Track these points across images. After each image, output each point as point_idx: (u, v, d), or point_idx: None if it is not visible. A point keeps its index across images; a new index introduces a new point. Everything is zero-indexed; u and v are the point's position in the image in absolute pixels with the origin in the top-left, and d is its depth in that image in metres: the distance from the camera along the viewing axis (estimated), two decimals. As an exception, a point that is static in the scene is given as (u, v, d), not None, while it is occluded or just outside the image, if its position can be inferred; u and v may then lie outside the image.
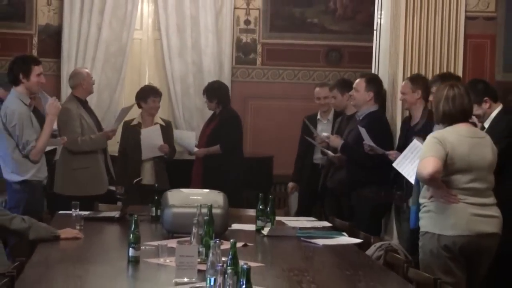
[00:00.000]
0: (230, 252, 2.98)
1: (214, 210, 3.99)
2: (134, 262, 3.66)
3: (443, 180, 4.09)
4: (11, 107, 5.39)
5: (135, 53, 8.51)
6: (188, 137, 7.16)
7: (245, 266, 2.73)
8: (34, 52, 8.09)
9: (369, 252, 4.32)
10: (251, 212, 5.14)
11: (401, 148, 5.21)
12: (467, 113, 4.22)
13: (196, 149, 6.94)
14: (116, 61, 8.26)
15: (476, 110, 4.62)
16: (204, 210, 3.93)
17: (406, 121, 5.57)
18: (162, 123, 6.92)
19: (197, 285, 3.21)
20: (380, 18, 6.39)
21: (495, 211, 4.19)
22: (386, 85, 6.05)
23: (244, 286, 2.70)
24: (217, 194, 4.59)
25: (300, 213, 6.42)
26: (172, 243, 3.85)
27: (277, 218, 4.93)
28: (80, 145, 6.15)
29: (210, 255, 3.09)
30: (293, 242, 4.46)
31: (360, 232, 4.68)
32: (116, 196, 6.82)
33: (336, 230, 4.89)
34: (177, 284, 3.30)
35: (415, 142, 4.86)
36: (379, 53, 6.39)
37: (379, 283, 3.51)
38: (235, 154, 6.88)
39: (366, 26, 7.62)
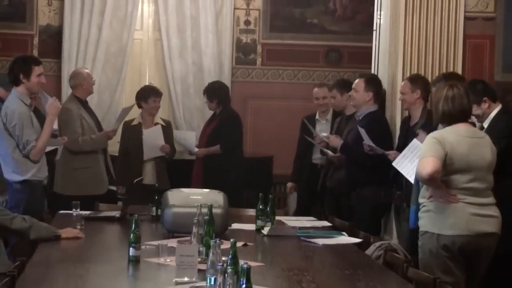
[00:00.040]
0: (230, 252, 2.98)
1: (214, 210, 3.99)
2: (135, 261, 3.67)
3: (442, 180, 4.10)
4: (11, 107, 5.40)
5: (135, 53, 8.52)
6: (188, 137, 7.17)
7: (245, 266, 2.73)
8: (35, 53, 8.10)
9: (368, 251, 4.32)
10: (251, 211, 5.15)
11: (401, 148, 5.21)
12: (466, 113, 4.22)
13: (196, 149, 6.96)
14: (117, 62, 8.27)
15: (475, 110, 4.62)
16: (204, 210, 3.94)
17: (406, 121, 5.57)
18: (163, 123, 6.93)
19: (197, 285, 3.22)
20: (380, 19, 6.40)
21: (494, 211, 4.19)
22: (385, 85, 6.05)
23: (244, 285, 2.70)
24: (217, 194, 4.60)
25: (299, 213, 6.43)
26: (172, 242, 3.87)
27: (277, 217, 4.94)
28: (81, 145, 6.17)
29: (210, 254, 3.09)
30: (293, 242, 4.46)
31: (359, 232, 4.68)
32: (117, 196, 6.84)
33: (336, 229, 4.90)
34: (177, 283, 3.30)
35: (415, 141, 4.87)
36: (378, 53, 6.39)
37: (378, 283, 3.52)
38: (235, 154, 6.89)
39: (366, 27, 7.62)
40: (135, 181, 6.66)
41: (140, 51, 8.58)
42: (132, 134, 6.80)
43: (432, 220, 4.15)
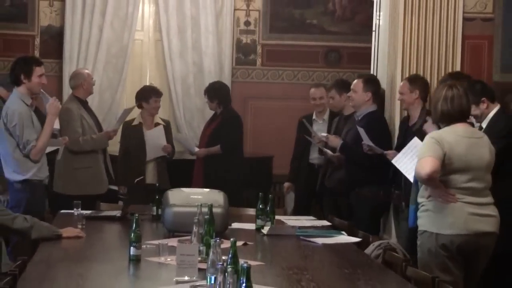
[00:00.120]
0: (230, 251, 2.99)
1: (214, 209, 4.01)
2: (135, 260, 3.68)
3: (441, 179, 4.11)
4: (12, 107, 5.41)
5: (136, 54, 8.54)
6: (188, 138, 7.21)
7: (245, 265, 2.73)
8: (36, 53, 8.12)
9: (368, 251, 4.34)
10: (251, 211, 5.15)
11: (399, 148, 5.21)
12: (465, 113, 4.24)
13: (197, 149, 6.97)
14: (118, 62, 8.28)
15: (474, 110, 4.63)
16: (205, 209, 3.95)
17: (405, 121, 5.58)
18: (163, 123, 6.96)
19: (198, 284, 3.22)
20: (379, 19, 6.40)
21: (493, 210, 4.21)
22: (384, 85, 6.06)
23: (244, 284, 2.70)
24: (217, 193, 4.61)
25: (297, 212, 6.43)
26: (173, 242, 3.88)
27: (277, 217, 4.95)
28: (82, 145, 6.19)
29: (211, 253, 3.10)
30: (292, 241, 4.47)
31: (359, 231, 4.69)
32: (118, 196, 6.85)
33: (335, 229, 4.91)
34: (178, 282, 3.31)
35: (415, 140, 4.87)
36: (377, 54, 6.40)
37: (378, 282, 3.52)
38: (235, 154, 6.90)
39: (365, 27, 7.63)
40: (135, 180, 6.68)
41: (140, 51, 8.60)
42: (133, 134, 6.82)
43: (431, 219, 4.17)
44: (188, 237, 3.86)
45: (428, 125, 4.74)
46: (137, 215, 3.83)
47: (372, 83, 5.91)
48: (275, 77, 8.66)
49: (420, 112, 5.39)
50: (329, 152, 6.09)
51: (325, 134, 6.18)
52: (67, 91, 7.70)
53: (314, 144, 6.55)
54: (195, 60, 8.38)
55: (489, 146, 4.25)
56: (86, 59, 8.19)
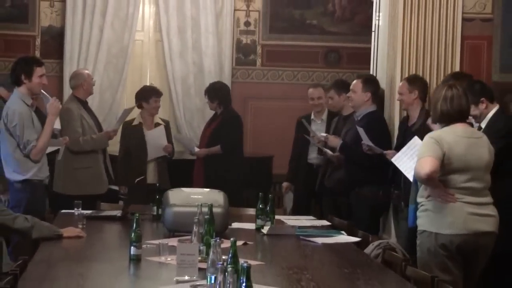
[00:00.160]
0: (230, 251, 2.99)
1: (214, 209, 4.02)
2: (136, 260, 3.69)
3: (440, 179, 4.12)
4: (12, 107, 5.42)
5: (136, 54, 8.54)
6: (189, 138, 7.23)
7: (245, 265, 2.74)
8: (37, 53, 8.12)
9: (367, 250, 4.35)
10: (251, 211, 5.16)
11: (399, 148, 5.22)
12: (464, 114, 4.25)
13: (197, 149, 6.99)
14: (118, 62, 8.29)
15: (473, 110, 4.64)
16: (205, 209, 3.96)
17: (404, 121, 5.58)
18: (162, 123, 6.97)
19: (198, 283, 3.23)
20: (378, 20, 6.41)
21: (492, 210, 4.22)
22: (384, 85, 6.06)
23: (244, 284, 2.71)
24: (217, 193, 4.62)
25: (296, 212, 6.44)
26: (173, 241, 3.90)
27: (277, 217, 4.96)
28: (82, 145, 6.21)
29: (211, 253, 3.11)
30: (292, 241, 4.48)
31: (358, 231, 4.70)
32: (119, 196, 6.87)
33: (335, 229, 4.92)
34: (178, 282, 3.32)
35: (415, 139, 4.88)
36: (377, 54, 6.40)
37: (377, 281, 3.53)
38: (235, 154, 6.91)
39: (365, 28, 7.64)
40: (136, 180, 6.69)
41: (141, 52, 8.60)
42: (133, 134, 6.83)
43: (430, 219, 4.18)
44: (188, 237, 3.87)
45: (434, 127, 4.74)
46: (137, 215, 3.84)
47: (371, 83, 5.92)
48: (275, 77, 8.67)
49: (419, 112, 5.39)
50: (329, 152, 6.10)
51: (324, 134, 6.19)
52: (67, 91, 7.70)
53: (312, 144, 6.57)
54: (195, 60, 8.39)
55: (488, 146, 4.26)
56: (86, 59, 8.20)
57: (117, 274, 3.58)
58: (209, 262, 3.08)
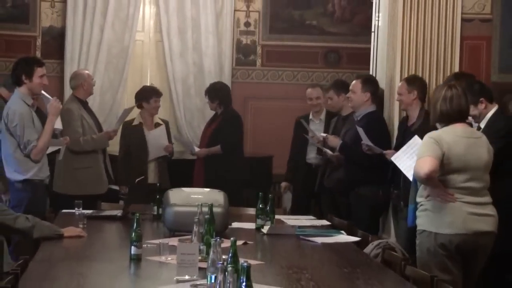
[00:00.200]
0: (231, 250, 3.00)
1: (214, 209, 4.03)
2: (136, 260, 3.71)
3: (440, 179, 4.13)
4: (13, 108, 5.43)
5: (137, 54, 8.55)
6: (188, 141, 7.25)
7: (245, 264, 2.74)
8: (38, 54, 8.13)
9: (367, 250, 4.35)
10: (251, 210, 5.17)
11: (398, 148, 5.21)
12: (464, 114, 4.26)
13: (197, 149, 7.00)
14: (118, 63, 8.31)
15: (472, 110, 4.65)
16: (205, 209, 3.97)
17: (403, 121, 5.58)
18: (162, 122, 6.98)
19: (198, 283, 3.24)
20: (378, 20, 6.41)
21: (491, 210, 4.23)
22: (383, 86, 6.06)
23: (244, 283, 2.71)
24: (217, 193, 4.63)
25: (295, 212, 6.45)
26: (173, 241, 3.91)
27: (277, 216, 4.97)
28: (82, 145, 6.22)
29: (211, 253, 3.12)
30: (292, 240, 4.49)
31: (358, 231, 4.71)
32: (119, 196, 6.88)
33: (335, 228, 4.93)
34: (178, 281, 3.33)
35: (415, 138, 4.88)
36: (376, 55, 6.41)
37: (377, 281, 3.54)
38: (235, 154, 6.92)
39: (364, 28, 7.65)
40: (136, 180, 6.70)
41: (141, 52, 8.61)
42: (133, 134, 6.84)
43: (429, 219, 4.19)
44: (189, 237, 3.88)
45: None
46: (138, 214, 3.85)
47: (370, 83, 5.93)
48: (275, 78, 8.68)
49: (418, 113, 5.40)
50: (328, 151, 6.11)
51: (324, 134, 6.20)
52: (68, 91, 7.71)
53: (311, 144, 6.59)
54: (196, 60, 8.40)
55: (488, 146, 4.27)
56: (87, 59, 8.21)
57: (117, 273, 3.59)
58: (209, 262, 3.09)
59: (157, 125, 6.92)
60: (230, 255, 2.99)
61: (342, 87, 6.34)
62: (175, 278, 3.37)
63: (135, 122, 6.91)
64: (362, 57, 7.26)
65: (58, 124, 5.80)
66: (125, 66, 8.30)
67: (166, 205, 4.55)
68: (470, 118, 4.60)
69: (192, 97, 8.40)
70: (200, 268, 3.39)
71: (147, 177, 6.76)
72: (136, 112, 6.95)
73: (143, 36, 8.61)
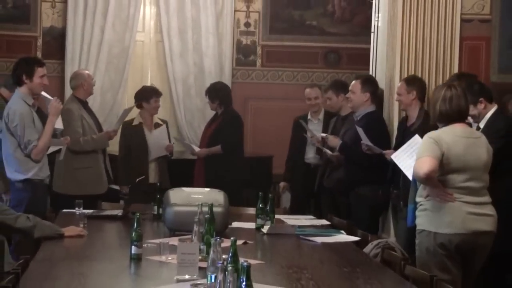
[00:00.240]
0: (231, 250, 3.00)
1: (214, 209, 4.03)
2: (136, 259, 3.71)
3: (439, 179, 4.14)
4: (13, 108, 5.44)
5: (137, 54, 8.57)
6: (187, 143, 7.28)
7: (245, 264, 2.75)
8: (39, 54, 8.15)
9: (366, 249, 4.36)
10: (251, 210, 5.17)
11: (398, 148, 5.23)
12: (463, 114, 4.27)
13: (198, 149, 7.01)
14: (119, 63, 8.32)
15: (472, 110, 4.65)
16: (205, 209, 3.98)
17: (403, 121, 5.59)
18: (161, 122, 6.99)
19: (198, 282, 3.25)
20: (377, 21, 6.42)
21: (490, 210, 4.24)
22: (383, 86, 6.07)
23: (244, 283, 2.72)
24: (217, 193, 4.63)
25: (293, 212, 6.46)
26: (173, 241, 3.91)
27: (276, 216, 4.97)
28: (83, 145, 6.23)
29: (211, 252, 3.13)
30: (292, 240, 4.50)
31: (358, 230, 4.72)
32: (120, 196, 6.88)
33: (334, 228, 4.94)
34: (178, 281, 3.34)
35: (416, 137, 4.88)
36: (376, 55, 6.41)
37: (376, 280, 3.54)
38: (235, 154, 6.92)
39: (364, 29, 7.66)
40: (137, 180, 6.71)
41: (142, 52, 8.63)
42: (134, 134, 6.85)
43: (429, 218, 4.20)
44: (189, 236, 3.88)
45: None
46: (138, 214, 3.86)
47: (370, 83, 5.94)
48: (275, 78, 8.69)
49: (418, 113, 5.41)
50: (328, 151, 6.12)
51: (324, 135, 6.20)
52: (69, 91, 7.71)
53: (309, 144, 6.60)
54: (196, 61, 8.41)
55: (487, 146, 4.28)
56: (88, 60, 8.22)
57: (118, 273, 3.59)
58: (210, 261, 3.10)
59: (156, 125, 6.94)
60: (230, 254, 3.00)
61: (341, 87, 6.35)
62: (175, 278, 3.38)
63: (135, 122, 6.92)
64: (362, 58, 7.27)
65: (59, 124, 5.80)
66: (126, 66, 8.32)
67: (166, 205, 4.56)
68: (469, 118, 4.60)
69: (192, 98, 8.41)
70: (200, 268, 3.40)
71: (148, 177, 6.77)
72: (135, 112, 6.96)
73: (143, 37, 8.62)
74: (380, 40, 6.34)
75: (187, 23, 8.36)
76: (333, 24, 8.68)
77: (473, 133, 4.35)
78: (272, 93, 8.57)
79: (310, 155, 6.70)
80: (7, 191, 5.71)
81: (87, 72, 6.63)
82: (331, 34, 8.67)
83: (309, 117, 6.80)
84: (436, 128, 4.35)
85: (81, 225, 4.55)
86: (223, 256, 3.13)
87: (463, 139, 4.19)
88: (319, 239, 4.46)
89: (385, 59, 6.10)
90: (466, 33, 5.81)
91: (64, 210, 5.27)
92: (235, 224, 4.81)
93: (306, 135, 6.51)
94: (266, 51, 8.67)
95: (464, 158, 4.16)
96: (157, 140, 6.80)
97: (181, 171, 6.99)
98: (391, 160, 5.18)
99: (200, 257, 3.52)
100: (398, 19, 5.78)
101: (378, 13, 6.40)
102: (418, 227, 4.28)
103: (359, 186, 5.76)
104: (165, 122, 7.09)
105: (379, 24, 6.39)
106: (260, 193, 4.80)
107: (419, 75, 5.67)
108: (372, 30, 6.55)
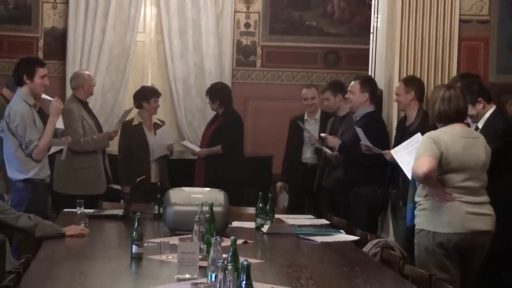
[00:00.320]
0: (231, 249, 3.01)
1: (215, 208, 4.04)
2: (137, 258, 3.73)
3: (438, 179, 4.15)
4: (14, 108, 5.45)
5: (138, 55, 8.59)
6: (188, 145, 7.29)
7: (245, 263, 2.76)
8: (40, 55, 8.17)
9: (365, 249, 4.38)
10: (251, 210, 5.18)
11: (397, 148, 5.27)
12: (462, 114, 4.28)
13: (198, 149, 7.03)
14: (120, 63, 8.34)
15: (470, 110, 4.66)
16: (205, 208, 3.99)
17: (402, 121, 5.59)
18: (160, 122, 7.01)
19: (199, 281, 3.25)
20: (377, 21, 6.42)
21: (489, 209, 4.25)
22: (382, 86, 6.07)
23: (244, 282, 2.73)
24: (218, 192, 4.64)
25: (291, 211, 6.46)
26: (174, 240, 3.93)
27: (276, 216, 4.98)
28: (83, 145, 6.24)
29: (211, 252, 3.15)
30: (292, 239, 4.51)
31: (357, 230, 4.73)
32: (120, 195, 6.90)
33: (334, 227, 4.95)
34: (179, 280, 3.35)
35: (418, 135, 4.88)
36: (375, 56, 6.42)
37: (375, 279, 3.55)
38: (235, 154, 6.93)
39: (363, 29, 7.68)
40: (137, 180, 6.73)
41: (142, 53, 8.65)
42: (134, 134, 6.85)
43: (428, 218, 4.21)
44: (189, 236, 3.89)
45: None
46: (139, 214, 3.87)
47: (369, 84, 5.95)
48: (275, 78, 8.71)
49: (416, 113, 5.40)
50: (327, 151, 6.13)
51: (323, 135, 6.21)
52: (70, 92, 7.71)
53: (306, 143, 6.61)
54: (196, 61, 8.43)
55: (485, 146, 4.29)
56: (88, 60, 8.24)
57: (118, 272, 3.60)
58: (210, 261, 3.12)
59: (155, 125, 6.95)
60: (230, 254, 3.01)
61: (338, 88, 6.36)
62: (175, 277, 3.39)
63: (135, 122, 6.91)
64: (361, 58, 7.28)
65: (60, 124, 5.81)
66: (126, 67, 8.34)
67: (166, 204, 4.57)
68: (468, 118, 4.61)
69: (192, 98, 8.43)
70: (200, 267, 3.41)
71: (149, 177, 6.78)
72: (134, 112, 6.97)
73: (144, 37, 8.64)
74: (379, 41, 6.34)
75: (188, 23, 8.38)
76: (332, 25, 8.70)
77: (472, 133, 4.36)
78: (272, 93, 8.59)
79: (307, 155, 6.71)
80: (8, 191, 5.73)
81: (87, 72, 6.64)
82: (330, 34, 8.69)
83: (305, 117, 6.81)
84: (435, 128, 4.36)
85: (82, 225, 4.55)
86: (223, 255, 3.14)
87: (461, 139, 4.21)
88: (319, 239, 4.47)
89: (384, 60, 6.10)
90: (464, 33, 5.81)
91: (65, 210, 5.28)
92: (235, 224, 4.82)
93: (304, 134, 6.52)
94: (266, 52, 8.69)
95: (463, 158, 4.17)
96: (161, 140, 6.81)
97: (181, 171, 7.00)
98: (391, 160, 5.20)
99: (200, 256, 3.53)
100: (397, 19, 5.78)
101: (377, 13, 6.41)
102: (417, 227, 4.29)
103: (359, 185, 5.77)
104: (163, 122, 7.10)
105: (378, 25, 6.39)
106: (260, 192, 4.80)
107: (418, 76, 5.67)
108: (371, 30, 6.55)
